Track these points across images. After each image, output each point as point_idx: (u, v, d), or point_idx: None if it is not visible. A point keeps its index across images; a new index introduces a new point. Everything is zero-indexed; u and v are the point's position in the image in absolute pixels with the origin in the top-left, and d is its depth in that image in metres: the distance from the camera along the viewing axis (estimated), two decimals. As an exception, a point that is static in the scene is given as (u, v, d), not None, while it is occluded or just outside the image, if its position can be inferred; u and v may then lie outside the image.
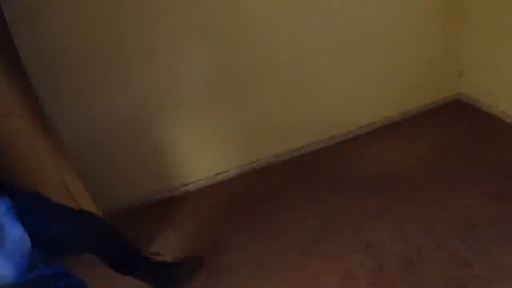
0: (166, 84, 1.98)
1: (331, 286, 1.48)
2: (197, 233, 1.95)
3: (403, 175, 1.99)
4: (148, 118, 2.05)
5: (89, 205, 1.72)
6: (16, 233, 1.05)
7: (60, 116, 1.83)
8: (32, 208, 1.18)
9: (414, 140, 2.27)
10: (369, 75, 2.28)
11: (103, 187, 2.04)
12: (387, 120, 2.46)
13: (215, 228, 1.94)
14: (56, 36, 1.71)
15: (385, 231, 1.66)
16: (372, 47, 2.20)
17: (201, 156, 2.26)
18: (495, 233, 1.53)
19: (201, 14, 1.86)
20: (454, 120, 2.36)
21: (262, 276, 1.59)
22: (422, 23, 2.23)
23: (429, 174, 1.97)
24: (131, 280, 1.47)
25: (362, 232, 1.68)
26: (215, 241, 1.84)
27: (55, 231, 1.20)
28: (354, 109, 2.38)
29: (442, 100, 2.53)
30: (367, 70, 2.25)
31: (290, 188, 2.11)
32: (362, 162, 2.19)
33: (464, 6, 2.20)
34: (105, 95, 1.94)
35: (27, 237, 1.06)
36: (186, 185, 2.30)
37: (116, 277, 1.44)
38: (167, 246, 1.88)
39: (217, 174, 2.31)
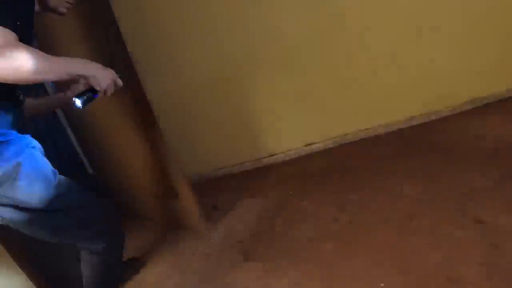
0: (256, 42, 1.92)
1: (432, 266, 1.29)
2: (280, 204, 1.92)
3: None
4: (236, 80, 2.01)
5: (175, 174, 1.79)
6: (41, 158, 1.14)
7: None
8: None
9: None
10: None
11: (186, 154, 2.09)
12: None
13: (301, 198, 1.89)
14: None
15: (500, 207, 1.40)
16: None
17: (291, 125, 2.19)
18: None
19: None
20: None
21: (350, 253, 1.46)
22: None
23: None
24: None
25: (471, 208, 1.45)
26: (301, 211, 1.80)
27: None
28: (467, 82, 2.07)
29: None
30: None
31: (390, 159, 1.95)
32: (474, 136, 1.91)
33: None
34: (190, 54, 1.93)
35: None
36: (273, 155, 2.28)
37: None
38: (246, 216, 1.91)
39: (307, 145, 2.24)
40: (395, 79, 2.04)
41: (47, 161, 1.17)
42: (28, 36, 1.02)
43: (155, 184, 1.97)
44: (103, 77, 1.07)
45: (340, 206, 1.73)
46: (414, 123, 2.15)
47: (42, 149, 1.18)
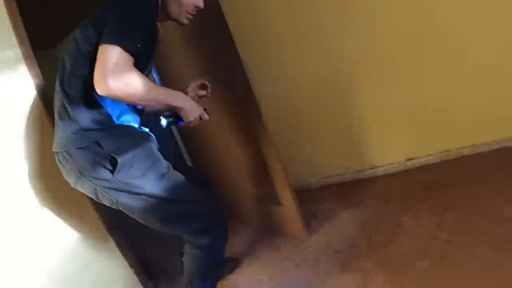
0: (364, 45, 1.94)
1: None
2: (379, 218, 1.97)
3: None
4: (343, 83, 2.03)
5: (280, 180, 1.85)
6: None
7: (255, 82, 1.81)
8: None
9: None
10: None
11: (289, 161, 2.11)
12: None
13: (401, 213, 1.91)
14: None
15: None
16: None
17: (394, 138, 2.17)
18: None
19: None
20: None
21: (446, 273, 1.45)
22: None
23: None
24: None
25: None
26: (401, 226, 1.83)
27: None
28: None
29: None
30: None
31: (492, 179, 1.85)
32: None
33: None
34: (300, 55, 2.01)
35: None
36: (373, 168, 2.30)
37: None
38: (345, 227, 1.97)
39: (408, 160, 2.22)
40: (501, 95, 1.92)
41: (160, 155, 1.28)
42: (146, 59, 1.17)
43: (259, 189, 2.05)
44: (192, 112, 1.24)
45: (439, 224, 1.74)
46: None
47: (158, 144, 1.31)
